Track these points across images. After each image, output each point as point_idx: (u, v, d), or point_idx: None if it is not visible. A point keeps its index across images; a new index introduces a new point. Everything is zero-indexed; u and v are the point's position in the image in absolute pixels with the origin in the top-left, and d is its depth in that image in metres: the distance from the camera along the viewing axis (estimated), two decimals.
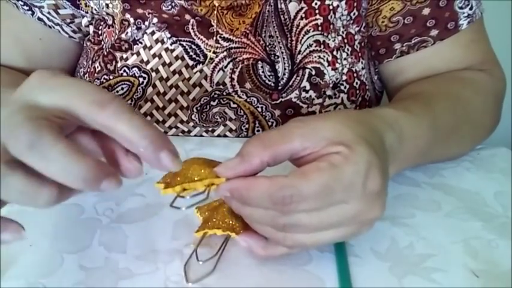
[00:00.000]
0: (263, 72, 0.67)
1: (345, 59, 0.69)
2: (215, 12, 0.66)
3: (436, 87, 0.65)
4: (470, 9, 0.67)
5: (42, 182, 0.35)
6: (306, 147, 0.41)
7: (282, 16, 0.67)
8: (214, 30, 0.67)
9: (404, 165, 0.52)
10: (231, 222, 0.47)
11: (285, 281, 0.45)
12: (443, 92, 0.63)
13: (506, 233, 0.51)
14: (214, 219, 0.48)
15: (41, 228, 0.49)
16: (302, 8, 0.67)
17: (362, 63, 0.71)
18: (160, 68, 0.68)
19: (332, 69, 0.68)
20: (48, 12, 0.70)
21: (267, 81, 0.67)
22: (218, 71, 0.67)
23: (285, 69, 0.67)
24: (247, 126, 0.69)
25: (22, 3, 0.69)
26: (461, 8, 0.67)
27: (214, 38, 0.67)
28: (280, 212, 0.40)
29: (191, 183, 0.43)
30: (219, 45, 0.67)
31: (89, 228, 0.50)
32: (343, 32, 0.69)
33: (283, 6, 0.66)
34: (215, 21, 0.66)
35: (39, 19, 0.70)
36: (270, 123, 0.69)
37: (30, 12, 0.70)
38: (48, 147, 0.34)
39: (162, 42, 0.68)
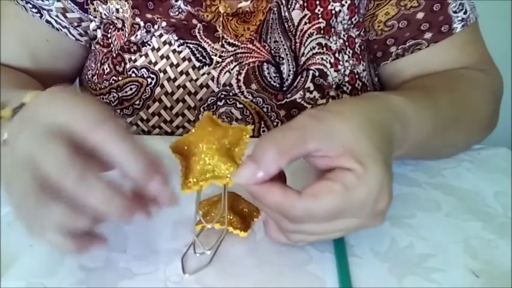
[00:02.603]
0: (268, 73, 0.67)
1: (346, 61, 0.69)
2: (220, 18, 0.66)
3: (436, 82, 0.64)
4: (465, 13, 0.67)
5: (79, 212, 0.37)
6: (320, 149, 0.40)
7: (286, 23, 0.67)
8: (220, 35, 0.66)
9: (403, 154, 0.51)
10: (229, 217, 0.47)
11: (285, 281, 0.44)
12: (444, 85, 0.62)
13: (506, 233, 0.50)
14: (212, 214, 0.48)
15: None
16: (306, 15, 0.67)
17: (363, 65, 0.71)
18: (168, 68, 0.67)
19: (335, 71, 0.68)
20: (56, 15, 0.69)
21: (272, 82, 0.67)
22: (225, 73, 0.67)
23: (289, 70, 0.67)
24: (253, 126, 0.68)
25: (31, 6, 0.68)
26: (455, 12, 0.67)
27: (220, 43, 0.67)
28: (289, 221, 0.41)
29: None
30: (224, 50, 0.67)
31: None
32: (344, 36, 0.69)
33: (286, 14, 0.67)
34: (220, 27, 0.66)
35: (47, 21, 0.69)
36: (275, 124, 0.68)
37: (38, 14, 0.68)
38: (95, 181, 0.36)
39: (170, 44, 0.67)
